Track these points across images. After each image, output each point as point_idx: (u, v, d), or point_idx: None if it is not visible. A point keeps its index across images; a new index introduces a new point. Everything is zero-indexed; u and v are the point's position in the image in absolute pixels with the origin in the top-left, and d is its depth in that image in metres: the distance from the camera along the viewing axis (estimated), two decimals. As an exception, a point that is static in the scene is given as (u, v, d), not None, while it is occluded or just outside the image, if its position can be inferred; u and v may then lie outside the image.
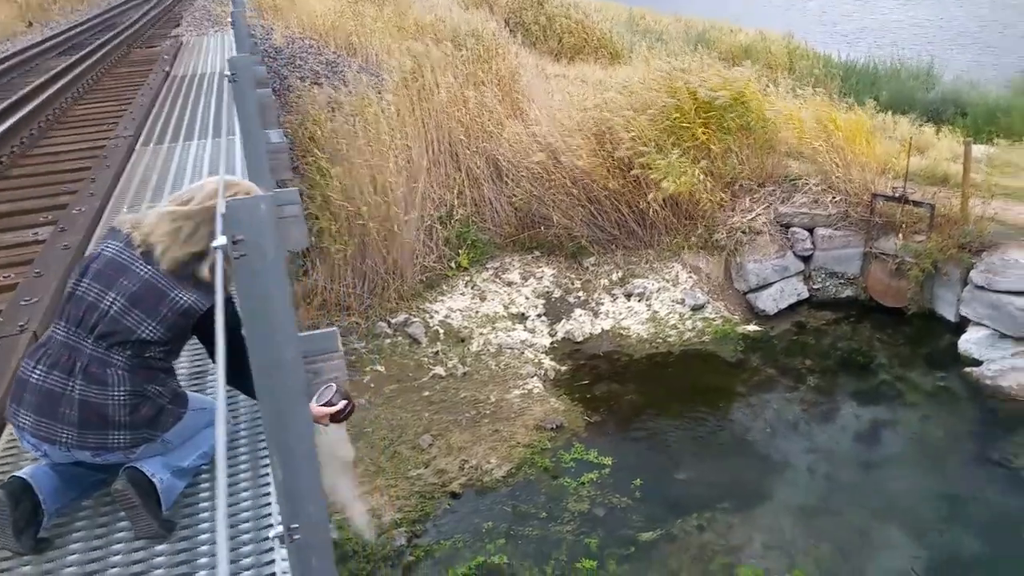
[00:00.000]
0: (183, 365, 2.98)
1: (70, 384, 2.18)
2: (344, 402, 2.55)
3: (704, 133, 9.97)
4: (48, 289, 3.61)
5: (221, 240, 1.34)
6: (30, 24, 19.33)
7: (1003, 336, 8.16)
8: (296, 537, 1.59)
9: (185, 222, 2.27)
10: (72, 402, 2.17)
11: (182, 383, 2.54)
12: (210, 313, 2.23)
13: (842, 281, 9.71)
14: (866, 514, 6.42)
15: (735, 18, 22.66)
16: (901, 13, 30.12)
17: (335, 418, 2.53)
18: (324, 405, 2.52)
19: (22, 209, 5.12)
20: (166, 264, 2.24)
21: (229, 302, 1.88)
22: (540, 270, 10.05)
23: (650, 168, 9.61)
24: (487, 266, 10.05)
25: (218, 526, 0.79)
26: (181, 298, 2.23)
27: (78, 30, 15.14)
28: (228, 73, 2.78)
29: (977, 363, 8.17)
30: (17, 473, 2.19)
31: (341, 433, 3.48)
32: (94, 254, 2.34)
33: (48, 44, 12.96)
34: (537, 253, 10.28)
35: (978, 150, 10.12)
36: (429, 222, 9.90)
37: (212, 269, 2.26)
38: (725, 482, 6.86)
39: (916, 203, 9.06)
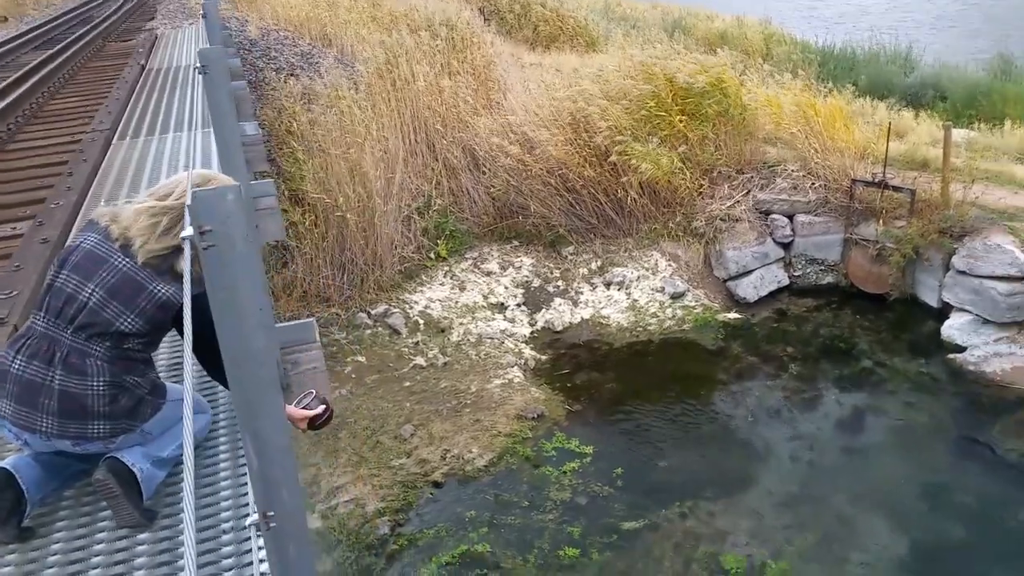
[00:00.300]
0: (162, 356, 3.00)
1: (50, 374, 2.19)
2: (322, 407, 2.56)
3: (681, 121, 10.02)
4: (27, 282, 3.61)
5: (188, 231, 1.35)
6: (5, 19, 19.07)
7: (986, 322, 8.19)
8: (272, 525, 1.61)
9: (163, 216, 2.29)
10: (52, 392, 2.18)
11: (161, 374, 2.56)
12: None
13: (823, 268, 9.79)
14: (849, 501, 6.48)
15: (712, 4, 22.67)
16: None
17: (312, 423, 2.55)
18: (302, 409, 2.54)
19: (0, 204, 5.09)
20: (143, 257, 2.25)
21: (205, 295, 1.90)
22: (519, 260, 10.07)
23: (627, 155, 9.65)
24: (466, 256, 10.06)
25: (185, 515, 0.82)
26: (159, 291, 2.24)
27: (53, 24, 14.95)
28: (198, 65, 2.78)
29: (960, 349, 8.21)
30: None
31: None
32: (72, 246, 2.35)
33: (23, 39, 12.80)
34: (516, 243, 10.30)
35: (958, 134, 10.17)
36: (407, 212, 9.89)
37: (192, 261, 2.28)
38: (707, 470, 6.92)
39: (896, 188, 9.12)
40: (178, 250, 2.27)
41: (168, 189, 2.37)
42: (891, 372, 8.23)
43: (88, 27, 13.63)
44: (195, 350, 2.28)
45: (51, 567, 2.08)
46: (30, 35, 13.27)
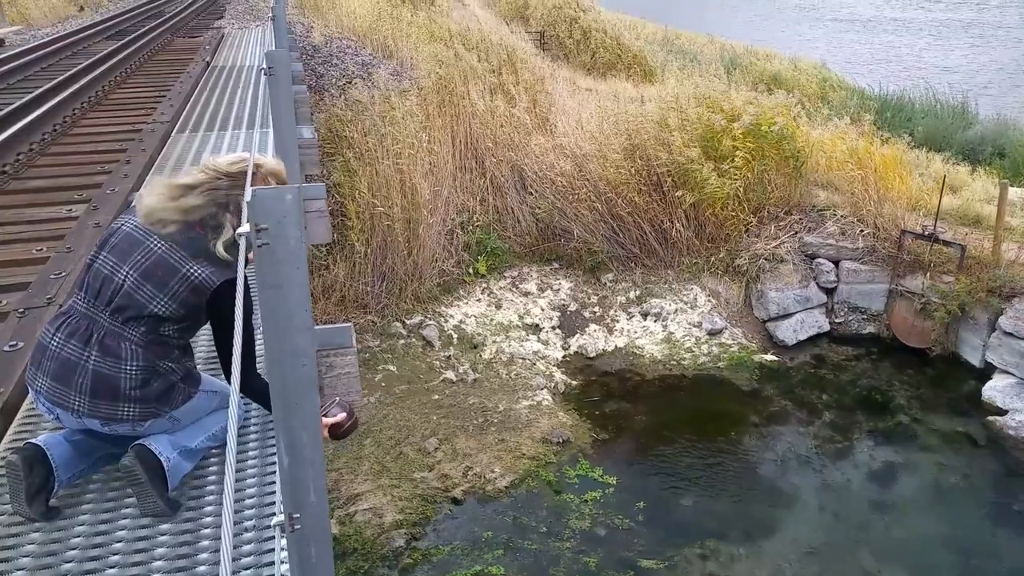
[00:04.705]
0: (201, 348, 3.01)
1: (85, 354, 2.22)
2: (343, 415, 2.44)
3: (743, 156, 9.97)
4: (78, 265, 3.68)
5: (245, 227, 1.36)
6: (81, 8, 19.74)
7: (1029, 385, 8.01)
8: (297, 527, 1.60)
9: (186, 177, 2.33)
10: (86, 372, 2.21)
11: (198, 366, 2.56)
12: (220, 290, 2.26)
13: (865, 317, 9.61)
14: (876, 557, 6.31)
15: (786, 47, 22.38)
16: (976, 55, 28.77)
17: (334, 432, 2.43)
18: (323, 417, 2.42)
19: (59, 186, 5.23)
20: (164, 222, 2.26)
21: (245, 293, 1.89)
22: (557, 282, 10.06)
23: (694, 172, 9.60)
24: (505, 275, 10.07)
25: (224, 507, 0.81)
26: (193, 273, 2.25)
27: (126, 16, 15.43)
28: (264, 67, 2.83)
29: (1001, 412, 8.02)
30: (32, 440, 2.23)
31: None
32: (114, 228, 2.38)
33: (96, 29, 13.22)
34: (556, 265, 10.29)
35: (1015, 193, 9.97)
36: (451, 226, 9.94)
37: (227, 247, 2.29)
38: (731, 513, 6.79)
39: (946, 243, 8.96)
40: (213, 231, 2.29)
41: (203, 166, 2.41)
42: (927, 429, 8.02)
43: (158, 21, 14.04)
44: (216, 337, 2.32)
45: (73, 548, 2.09)
46: (103, 26, 13.70)
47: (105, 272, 2.26)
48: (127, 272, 2.24)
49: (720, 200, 9.65)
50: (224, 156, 2.44)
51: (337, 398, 2.55)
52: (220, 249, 2.29)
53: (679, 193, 9.73)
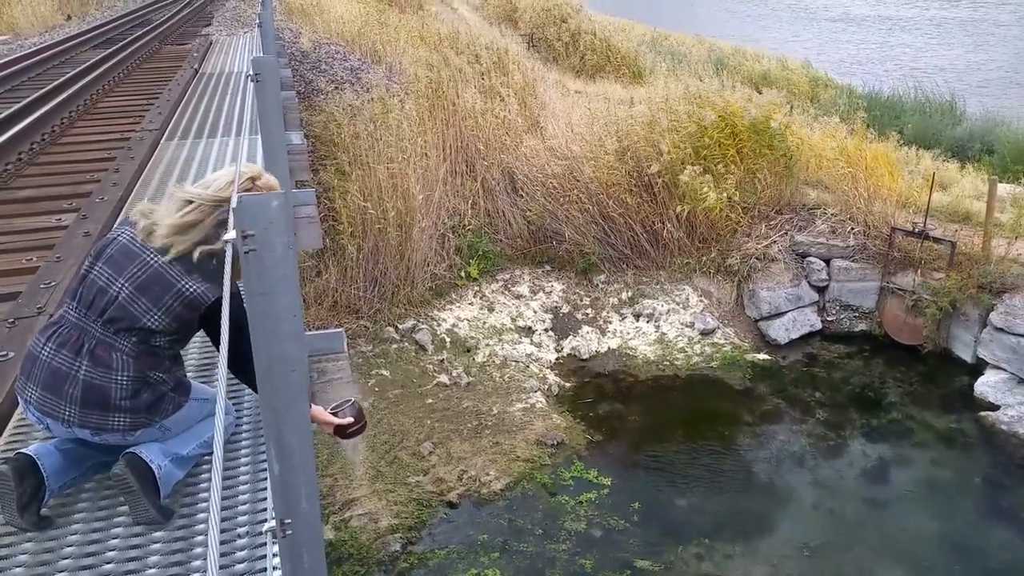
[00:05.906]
0: (192, 355, 3.02)
1: (76, 364, 2.22)
2: (350, 419, 2.54)
3: (738, 155, 9.99)
4: (67, 274, 3.67)
5: (232, 234, 1.37)
6: (68, 17, 19.67)
7: (1021, 381, 8.05)
8: (288, 532, 1.60)
9: (192, 211, 2.30)
10: (77, 382, 2.21)
11: (189, 374, 2.57)
12: (216, 305, 2.26)
13: (857, 314, 9.65)
14: (869, 554, 6.33)
15: (779, 47, 22.36)
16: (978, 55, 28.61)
17: (342, 432, 2.54)
18: (332, 415, 2.54)
19: (47, 195, 5.20)
20: (172, 253, 2.26)
21: (237, 295, 1.89)
22: (550, 284, 10.07)
23: (690, 183, 9.62)
24: (497, 277, 10.08)
25: (211, 516, 0.81)
26: (188, 288, 2.24)
27: (113, 25, 15.38)
28: (251, 73, 2.83)
29: (993, 407, 8.06)
30: (23, 450, 2.23)
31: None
32: (109, 239, 2.37)
33: (84, 37, 13.18)
34: (548, 267, 10.30)
35: (1004, 189, 10.02)
36: (442, 230, 9.95)
37: (218, 259, 2.28)
38: (726, 512, 6.81)
39: (936, 239, 9.01)
40: (205, 244, 2.28)
41: (207, 182, 2.39)
42: (920, 425, 8.06)
43: (146, 29, 14.00)
44: (220, 349, 2.32)
45: (66, 558, 2.08)
46: (91, 34, 13.66)
47: (100, 283, 2.26)
48: (122, 285, 2.24)
49: (720, 205, 9.68)
50: (220, 179, 2.40)
51: (352, 399, 2.63)
52: (196, 254, 2.26)
53: (679, 209, 9.74)
